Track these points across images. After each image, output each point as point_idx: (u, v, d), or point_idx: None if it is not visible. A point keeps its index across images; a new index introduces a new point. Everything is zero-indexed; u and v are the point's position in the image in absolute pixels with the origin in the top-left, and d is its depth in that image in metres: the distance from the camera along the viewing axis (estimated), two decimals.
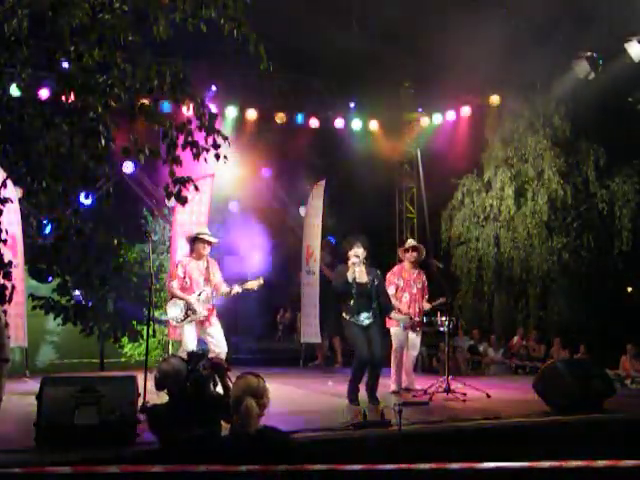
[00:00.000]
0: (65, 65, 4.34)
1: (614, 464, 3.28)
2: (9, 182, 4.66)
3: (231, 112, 11.75)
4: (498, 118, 12.66)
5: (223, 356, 6.71)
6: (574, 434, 5.66)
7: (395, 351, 7.77)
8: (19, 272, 8.20)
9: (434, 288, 8.19)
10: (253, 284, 6.93)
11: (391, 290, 7.63)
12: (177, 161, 4.53)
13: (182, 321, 6.87)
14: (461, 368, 11.11)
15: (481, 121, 12.74)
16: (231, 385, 4.03)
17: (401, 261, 8.23)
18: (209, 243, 7.04)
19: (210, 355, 6.05)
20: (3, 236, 4.47)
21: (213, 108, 8.25)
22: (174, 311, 6.90)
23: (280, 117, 12.09)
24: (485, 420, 5.82)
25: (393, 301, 7.40)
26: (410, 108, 13.25)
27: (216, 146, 4.64)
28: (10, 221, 7.69)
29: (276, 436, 3.42)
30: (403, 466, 3.25)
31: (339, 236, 10.99)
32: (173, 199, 4.64)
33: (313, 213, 10.79)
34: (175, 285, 6.95)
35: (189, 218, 9.21)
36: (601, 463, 3.27)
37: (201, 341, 7.01)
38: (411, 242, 8.32)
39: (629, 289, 13.32)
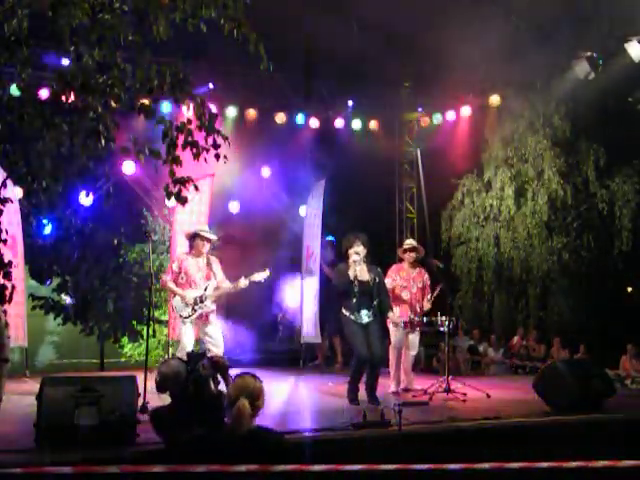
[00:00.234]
0: (65, 64, 4.34)
1: (614, 464, 3.28)
2: (9, 182, 4.66)
3: (231, 112, 11.76)
4: (498, 118, 12.64)
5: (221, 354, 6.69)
6: (574, 434, 5.65)
7: (393, 350, 7.76)
8: (19, 272, 8.20)
9: (433, 287, 8.18)
10: (260, 276, 6.84)
11: (388, 284, 7.56)
12: (177, 161, 4.53)
13: (190, 316, 6.81)
14: (461, 368, 11.10)
15: (481, 121, 12.72)
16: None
17: (401, 260, 8.24)
18: (208, 240, 7.03)
19: (209, 355, 6.05)
20: (3, 236, 4.47)
21: (213, 108, 8.26)
22: (183, 309, 6.83)
23: (280, 117, 12.11)
24: (485, 420, 5.80)
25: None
26: (410, 108, 13.27)
27: (216, 146, 4.64)
28: (10, 221, 7.70)
29: (269, 436, 3.40)
30: (403, 466, 3.25)
31: (339, 235, 10.98)
32: (173, 199, 4.64)
33: (313, 213, 10.79)
34: (167, 279, 6.94)
35: (189, 218, 9.22)
36: (601, 463, 3.27)
37: (200, 341, 6.99)
38: (410, 242, 8.32)
39: (629, 289, 13.29)
